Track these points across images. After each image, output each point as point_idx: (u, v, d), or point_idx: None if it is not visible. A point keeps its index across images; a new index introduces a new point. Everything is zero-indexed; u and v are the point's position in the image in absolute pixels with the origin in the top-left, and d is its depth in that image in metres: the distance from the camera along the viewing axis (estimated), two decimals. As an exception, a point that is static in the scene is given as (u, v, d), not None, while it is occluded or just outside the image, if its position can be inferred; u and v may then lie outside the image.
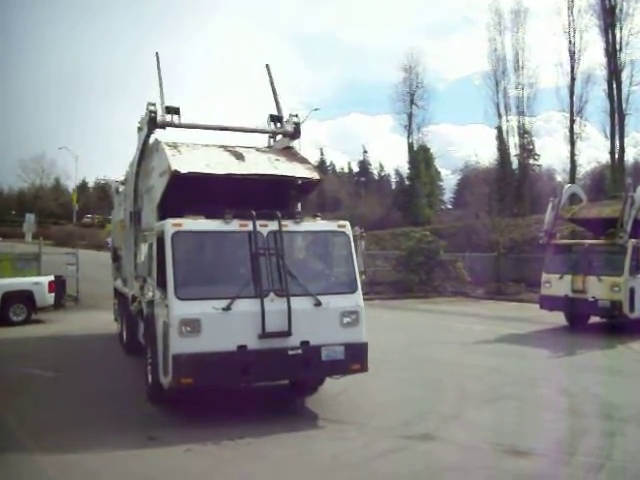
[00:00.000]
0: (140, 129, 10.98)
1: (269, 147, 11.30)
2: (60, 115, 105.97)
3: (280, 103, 11.32)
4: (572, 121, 44.69)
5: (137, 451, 7.48)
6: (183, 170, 9.21)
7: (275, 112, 11.25)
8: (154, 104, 10.02)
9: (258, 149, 10.94)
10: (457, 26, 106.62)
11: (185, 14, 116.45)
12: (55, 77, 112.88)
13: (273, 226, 8.90)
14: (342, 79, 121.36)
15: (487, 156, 56.06)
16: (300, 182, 10.44)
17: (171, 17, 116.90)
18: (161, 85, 10.46)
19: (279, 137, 11.40)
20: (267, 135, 11.56)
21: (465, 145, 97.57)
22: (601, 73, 43.57)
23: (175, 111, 10.12)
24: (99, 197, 70.16)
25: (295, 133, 11.03)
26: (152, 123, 10.12)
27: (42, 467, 7.00)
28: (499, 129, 48.88)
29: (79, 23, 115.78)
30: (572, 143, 44.79)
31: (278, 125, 11.15)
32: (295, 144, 11.48)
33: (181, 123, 10.32)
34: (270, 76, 11.62)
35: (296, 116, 11.09)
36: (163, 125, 10.17)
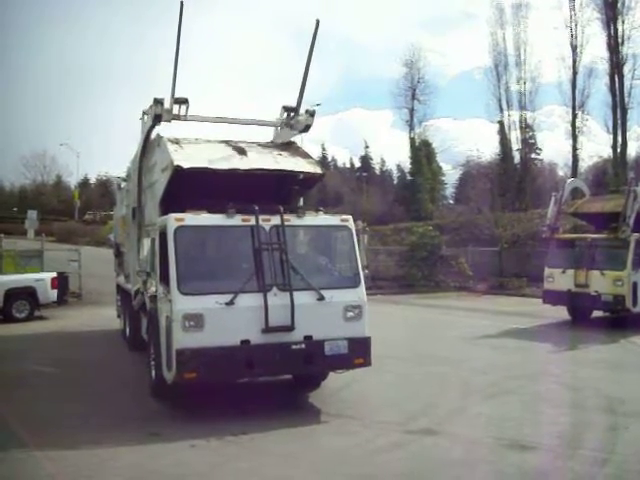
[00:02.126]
0: (143, 118, 10.96)
1: (271, 142, 11.28)
2: (61, 111, 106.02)
3: (306, 79, 10.74)
4: (574, 115, 44.62)
5: (140, 447, 7.49)
6: (185, 165, 9.20)
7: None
8: (161, 101, 9.82)
9: (260, 144, 10.91)
10: (457, 21, 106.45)
11: (185, 8, 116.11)
12: (56, 73, 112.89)
13: (276, 220, 8.89)
14: (341, 74, 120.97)
15: (488, 151, 55.89)
16: (302, 177, 10.42)
17: (172, 12, 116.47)
18: (175, 71, 9.87)
19: (280, 129, 11.32)
20: (273, 128, 11.48)
21: (466, 140, 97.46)
22: (603, 67, 43.56)
23: (183, 102, 9.95)
24: (101, 193, 70.27)
25: (306, 129, 10.88)
26: (157, 120, 10.12)
27: (43, 464, 7.00)
28: (501, 124, 48.79)
29: (80, 18, 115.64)
30: (574, 137, 44.74)
31: (292, 116, 10.86)
32: (297, 139, 11.46)
33: (187, 117, 10.17)
34: (314, 37, 10.55)
35: (312, 115, 10.75)
36: (169, 120, 10.11)
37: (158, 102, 9.84)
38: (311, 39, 10.47)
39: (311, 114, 10.75)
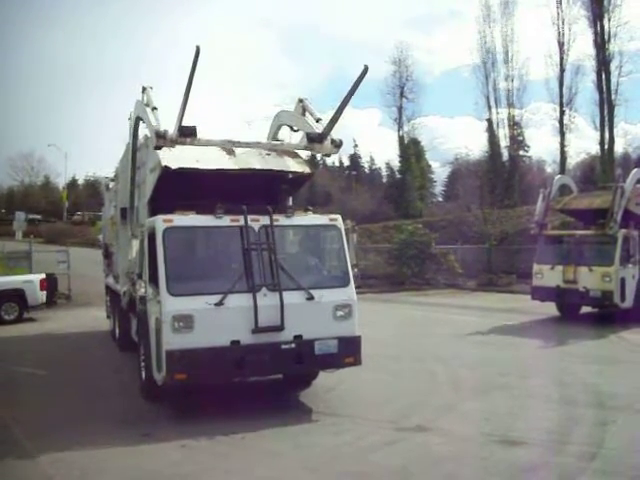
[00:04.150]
0: (131, 118, 10.70)
1: (259, 142, 11.24)
2: (49, 112, 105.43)
3: (340, 114, 9.12)
4: (562, 112, 44.91)
5: (132, 448, 7.48)
6: (173, 166, 9.17)
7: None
8: (164, 135, 8.57)
9: (249, 143, 10.87)
10: (443, 19, 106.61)
11: (174, 7, 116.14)
12: (43, 73, 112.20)
13: (264, 221, 8.88)
14: (328, 73, 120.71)
15: (477, 148, 56.18)
16: (291, 176, 10.42)
17: (159, 12, 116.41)
18: (184, 106, 8.54)
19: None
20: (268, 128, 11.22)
21: (454, 137, 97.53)
22: (590, 64, 43.88)
23: (190, 134, 8.65)
24: (89, 194, 69.93)
25: (326, 155, 10.20)
26: (157, 149, 9.05)
27: (40, 466, 6.99)
28: (489, 121, 48.95)
29: (68, 17, 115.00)
30: (562, 134, 45.05)
31: (316, 145, 9.39)
32: (285, 137, 11.40)
33: (194, 142, 8.88)
34: (360, 80, 8.64)
35: (337, 146, 9.48)
36: (173, 147, 8.92)
37: (161, 136, 8.60)
38: (355, 80, 8.73)
39: (337, 145, 9.48)
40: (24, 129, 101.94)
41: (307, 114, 10.07)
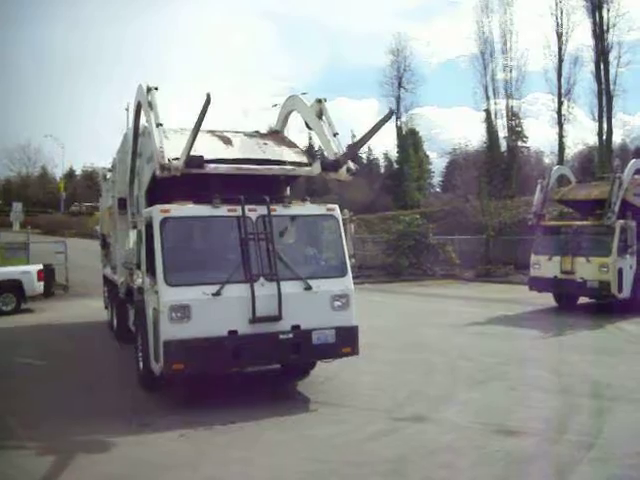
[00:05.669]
0: (128, 109, 10.54)
1: (257, 131, 11.21)
2: (45, 102, 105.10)
3: (361, 145, 9.37)
4: (560, 103, 44.83)
5: (131, 438, 7.48)
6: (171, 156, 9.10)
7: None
8: (169, 167, 8.52)
9: (246, 133, 10.85)
10: (440, 9, 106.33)
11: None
12: (39, 63, 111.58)
13: (262, 210, 8.87)
14: (326, 64, 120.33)
15: (475, 139, 56.06)
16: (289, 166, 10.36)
17: (160, 1, 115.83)
18: (196, 131, 8.48)
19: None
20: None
21: (451, 128, 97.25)
22: (589, 55, 43.78)
23: (198, 164, 8.72)
24: (86, 185, 69.81)
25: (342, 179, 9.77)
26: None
27: (37, 457, 6.98)
28: (487, 112, 48.89)
29: (67, 9, 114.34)
30: (560, 125, 44.99)
31: (331, 173, 9.31)
32: (287, 129, 11.35)
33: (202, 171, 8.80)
34: (383, 121, 8.87)
35: (353, 174, 9.50)
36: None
37: (165, 169, 8.58)
38: (378, 121, 8.82)
39: (352, 173, 9.51)
40: (21, 120, 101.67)
41: (324, 119, 9.82)
